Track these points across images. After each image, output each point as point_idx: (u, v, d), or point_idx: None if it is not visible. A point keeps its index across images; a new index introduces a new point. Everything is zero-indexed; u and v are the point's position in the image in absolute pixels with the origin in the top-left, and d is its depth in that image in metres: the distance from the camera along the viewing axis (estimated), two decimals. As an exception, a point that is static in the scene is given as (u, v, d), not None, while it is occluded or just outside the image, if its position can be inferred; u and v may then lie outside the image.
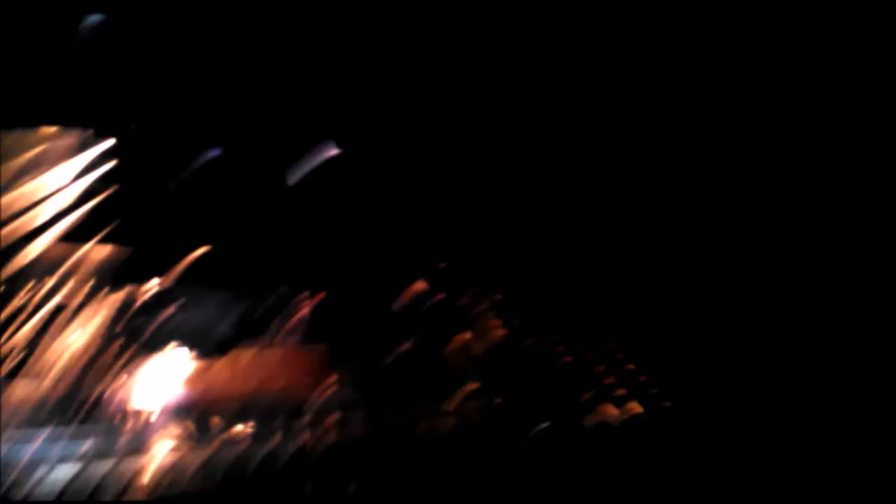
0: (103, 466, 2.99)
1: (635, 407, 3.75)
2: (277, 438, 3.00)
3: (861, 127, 3.82)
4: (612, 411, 3.74)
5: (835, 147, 3.89)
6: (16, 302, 3.79)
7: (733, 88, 3.81)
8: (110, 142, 4.27)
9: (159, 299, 4.26)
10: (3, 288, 3.71)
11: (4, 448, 2.82)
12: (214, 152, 4.52)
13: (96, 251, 3.84)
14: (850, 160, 3.88)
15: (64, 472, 4.12)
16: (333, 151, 4.59)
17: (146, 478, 4.17)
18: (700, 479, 4.05)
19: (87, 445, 4.02)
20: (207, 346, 4.33)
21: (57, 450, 3.83)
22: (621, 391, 3.84)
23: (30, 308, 3.88)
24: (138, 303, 4.25)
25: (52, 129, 3.88)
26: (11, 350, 3.64)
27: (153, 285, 4.19)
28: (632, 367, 3.85)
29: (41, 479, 3.94)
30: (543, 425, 3.97)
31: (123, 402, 4.99)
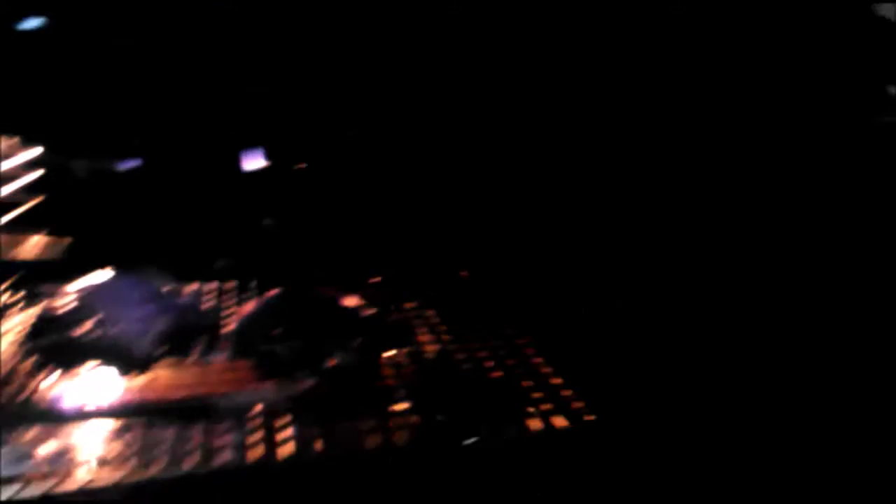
0: (16, 489, 3.09)
1: (560, 421, 4.19)
2: (195, 456, 3.18)
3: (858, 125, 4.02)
4: (536, 425, 4.20)
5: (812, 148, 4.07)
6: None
7: (732, 87, 4.10)
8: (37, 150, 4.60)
9: (78, 312, 4.89)
10: None
11: None
12: (134, 162, 4.92)
13: (18, 251, 4.06)
14: (844, 160, 4.19)
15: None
16: (262, 162, 5.08)
17: (65, 499, 4.24)
18: (627, 493, 4.37)
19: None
20: (129, 362, 4.84)
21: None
22: (547, 405, 4.24)
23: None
24: (56, 314, 4.80)
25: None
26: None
27: (71, 297, 4.79)
28: (558, 381, 4.30)
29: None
30: (469, 441, 4.42)
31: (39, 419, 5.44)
